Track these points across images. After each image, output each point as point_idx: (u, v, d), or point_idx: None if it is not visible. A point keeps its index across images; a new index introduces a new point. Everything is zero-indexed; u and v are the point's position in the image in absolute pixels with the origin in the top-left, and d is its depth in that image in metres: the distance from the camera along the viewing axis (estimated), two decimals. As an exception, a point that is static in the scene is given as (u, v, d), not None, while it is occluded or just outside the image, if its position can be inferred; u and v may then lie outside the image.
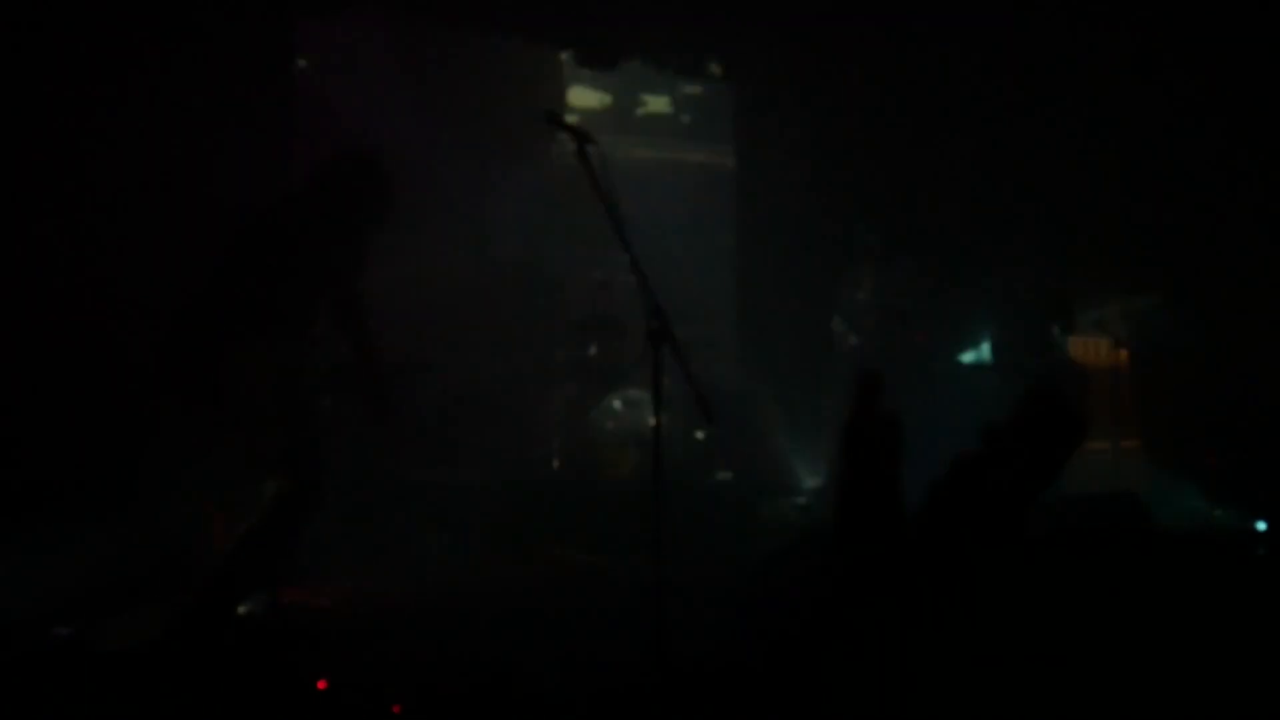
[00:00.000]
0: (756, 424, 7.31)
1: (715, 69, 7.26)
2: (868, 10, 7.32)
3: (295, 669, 3.41)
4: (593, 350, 7.32)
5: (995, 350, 6.66)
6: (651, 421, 3.17)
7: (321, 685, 3.22)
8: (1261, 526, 5.99)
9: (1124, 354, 6.75)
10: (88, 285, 5.07)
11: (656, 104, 9.40)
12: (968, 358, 7.19)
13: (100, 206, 5.19)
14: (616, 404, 7.11)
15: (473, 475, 6.39)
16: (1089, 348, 7.71)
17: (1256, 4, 6.23)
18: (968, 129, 7.66)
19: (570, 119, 5.39)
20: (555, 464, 7.00)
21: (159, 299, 5.50)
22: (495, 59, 7.68)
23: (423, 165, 8.39)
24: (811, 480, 7.05)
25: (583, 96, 8.82)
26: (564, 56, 8.07)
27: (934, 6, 7.21)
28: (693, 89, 7.93)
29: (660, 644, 2.99)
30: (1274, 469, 6.10)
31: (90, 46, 5.22)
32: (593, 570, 5.09)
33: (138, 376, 5.12)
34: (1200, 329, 6.71)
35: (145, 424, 5.04)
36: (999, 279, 6.73)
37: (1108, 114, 7.08)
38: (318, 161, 4.15)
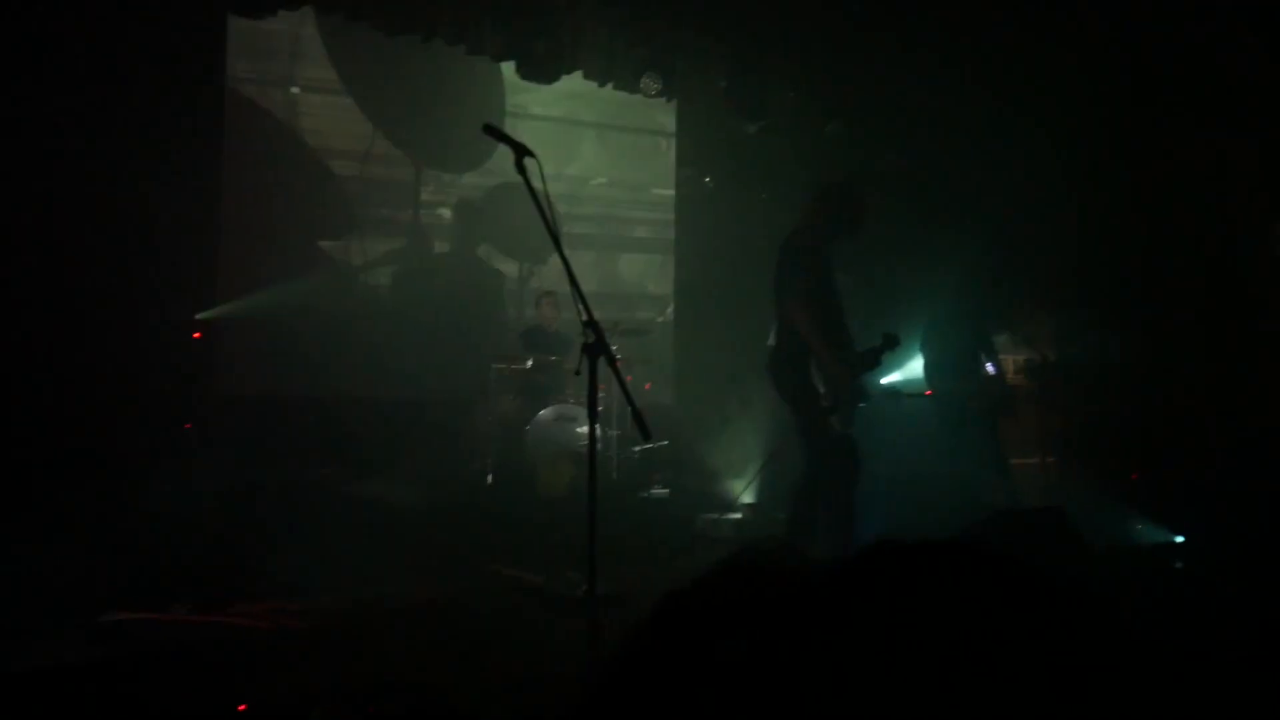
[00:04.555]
0: (692, 439, 7.34)
1: (653, 84, 7.29)
2: (804, 28, 7.42)
3: (218, 692, 3.31)
4: (529, 364, 7.28)
5: (927, 373, 6.78)
6: (588, 436, 3.14)
7: (242, 708, 3.13)
8: (1179, 540, 6.16)
9: (1051, 372, 6.91)
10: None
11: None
12: (901, 380, 7.30)
13: (30, 199, 5.07)
14: (553, 418, 7.07)
15: (407, 490, 6.30)
16: (1018, 366, 7.88)
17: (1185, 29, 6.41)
18: (899, 148, 7.80)
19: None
20: (490, 479, 6.93)
21: (103, 294, 5.42)
22: (436, 68, 7.64)
23: (356, 169, 8.32)
24: (747, 496, 7.07)
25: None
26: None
27: (875, 23, 7.33)
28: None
29: (595, 660, 2.95)
30: (1190, 485, 6.28)
31: (18, 41, 5.10)
32: (528, 586, 5.03)
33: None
34: (1121, 347, 6.90)
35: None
36: (929, 308, 6.85)
37: (1031, 139, 7.27)
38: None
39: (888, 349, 5.10)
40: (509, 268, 8.79)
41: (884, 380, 7.40)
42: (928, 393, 6.88)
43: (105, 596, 4.18)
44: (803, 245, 4.94)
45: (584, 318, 2.91)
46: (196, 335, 6.46)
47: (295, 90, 8.00)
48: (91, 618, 4.02)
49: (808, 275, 4.86)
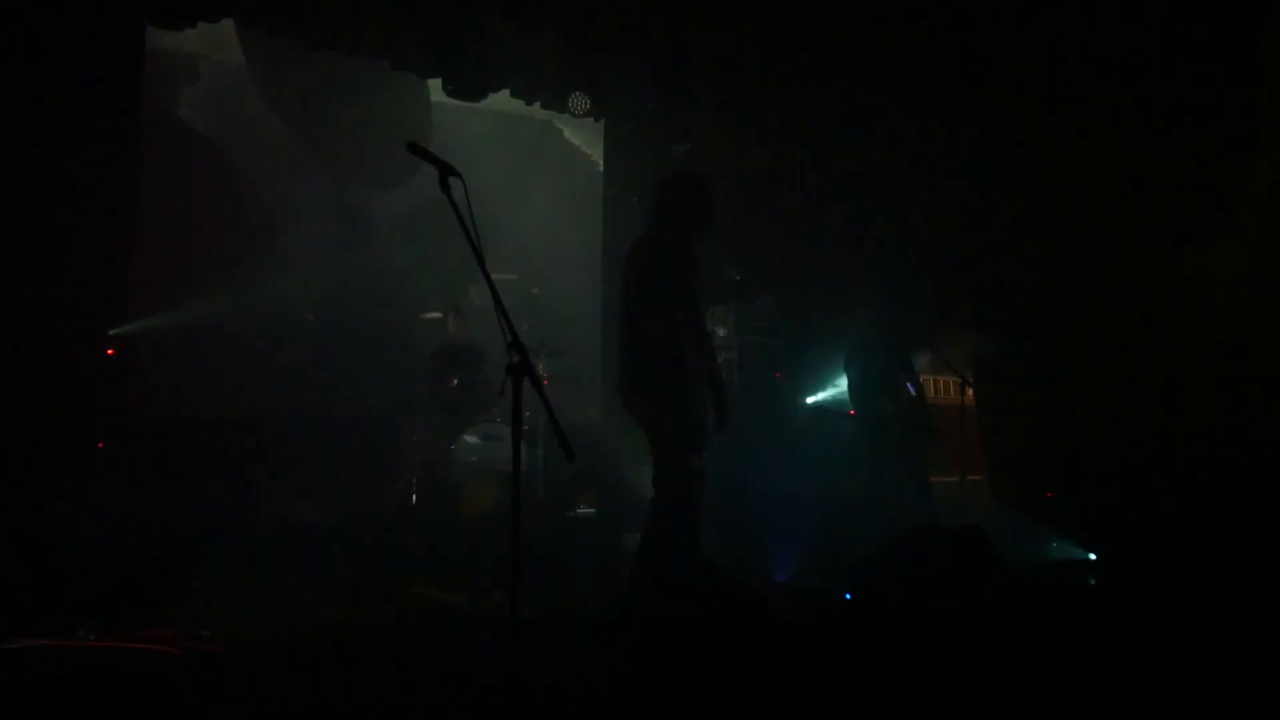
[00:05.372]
0: (618, 459, 7.33)
1: (582, 104, 7.31)
2: (731, 50, 7.53)
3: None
4: (454, 382, 7.22)
5: (851, 394, 6.90)
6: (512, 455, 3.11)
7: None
8: (1092, 557, 6.34)
9: (970, 392, 7.07)
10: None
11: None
12: (825, 400, 7.41)
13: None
14: (478, 438, 7.02)
15: (329, 510, 6.19)
16: (939, 386, 8.06)
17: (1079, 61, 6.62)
18: (824, 170, 7.94)
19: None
20: (414, 498, 6.84)
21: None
22: (360, 83, 7.56)
23: (279, 186, 8.19)
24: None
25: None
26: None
27: (799, 54, 7.46)
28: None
29: (518, 683, 2.92)
30: (1103, 505, 6.47)
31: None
32: (451, 608, 4.97)
33: None
34: (1035, 369, 7.09)
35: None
36: (853, 329, 6.98)
37: (949, 165, 7.47)
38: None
39: None
40: (434, 284, 8.70)
41: (809, 400, 7.51)
42: (850, 412, 7.00)
43: (8, 622, 4.02)
44: (673, 252, 4.48)
45: (508, 338, 2.89)
46: (110, 352, 6.27)
47: (217, 104, 7.84)
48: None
49: (689, 286, 4.44)
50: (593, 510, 7.11)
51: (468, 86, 6.90)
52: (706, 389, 4.47)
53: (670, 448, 4.43)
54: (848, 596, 4.29)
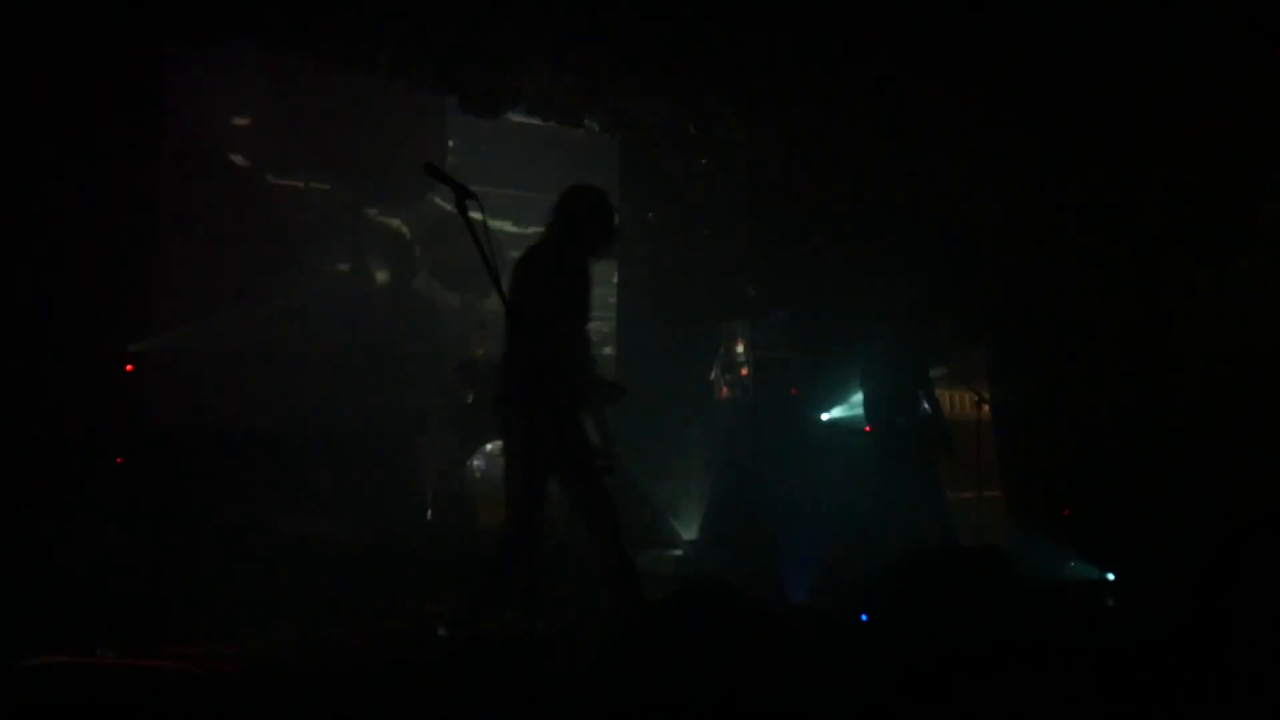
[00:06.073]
0: (634, 476, 7.33)
1: (596, 121, 7.35)
2: (746, 69, 7.56)
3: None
4: (470, 398, 7.23)
5: (867, 410, 6.88)
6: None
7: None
8: (1110, 577, 6.29)
9: (986, 408, 7.04)
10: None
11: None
12: (840, 414, 7.40)
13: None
14: (494, 453, 7.02)
15: (342, 527, 6.21)
16: (954, 401, 8.04)
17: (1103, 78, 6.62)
18: (838, 187, 7.94)
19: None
20: (429, 515, 6.85)
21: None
22: (377, 101, 7.61)
23: (299, 203, 8.23)
24: (688, 532, 7.09)
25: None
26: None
27: (814, 70, 7.48)
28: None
29: (532, 702, 2.93)
30: (1121, 523, 6.43)
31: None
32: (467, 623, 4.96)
33: None
34: (1052, 385, 7.06)
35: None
36: (868, 344, 6.97)
37: (965, 181, 7.46)
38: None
39: None
40: (450, 300, 8.73)
41: (825, 416, 7.51)
42: (866, 429, 6.98)
43: (28, 640, 4.04)
44: (566, 265, 4.33)
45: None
46: (129, 368, 6.32)
47: (236, 121, 7.90)
48: (13, 662, 3.88)
49: (580, 302, 4.36)
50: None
51: (482, 103, 6.95)
52: (597, 403, 4.48)
53: (586, 468, 4.42)
54: (864, 618, 4.27)
